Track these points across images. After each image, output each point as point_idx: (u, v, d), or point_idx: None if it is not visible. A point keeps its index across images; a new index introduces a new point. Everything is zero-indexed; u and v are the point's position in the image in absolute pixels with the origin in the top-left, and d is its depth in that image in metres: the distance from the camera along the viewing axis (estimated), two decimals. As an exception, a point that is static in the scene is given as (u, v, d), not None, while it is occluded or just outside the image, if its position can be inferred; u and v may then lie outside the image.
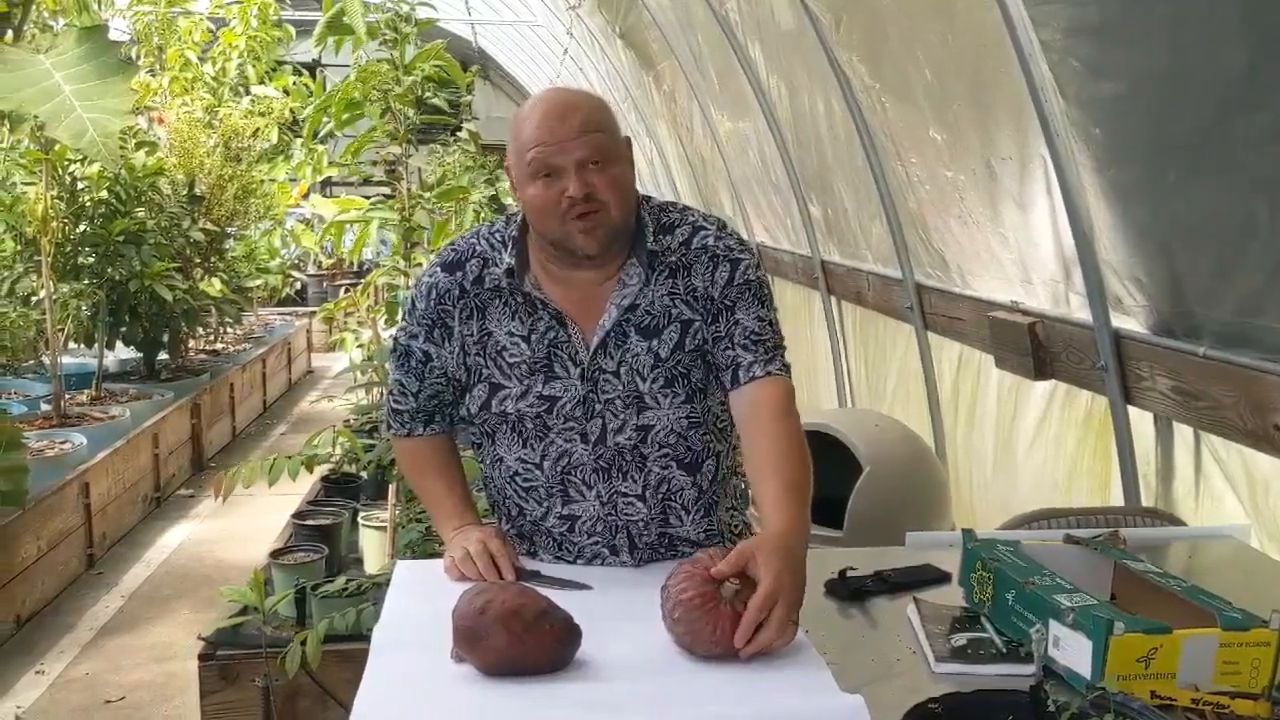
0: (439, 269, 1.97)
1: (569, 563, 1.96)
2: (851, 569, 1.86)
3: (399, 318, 4.50)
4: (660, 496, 1.93)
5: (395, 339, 2.05)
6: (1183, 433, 2.78)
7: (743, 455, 1.94)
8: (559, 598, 1.62)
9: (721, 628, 1.54)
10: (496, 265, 1.93)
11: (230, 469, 3.51)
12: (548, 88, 2.05)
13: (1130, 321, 2.83)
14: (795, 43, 4.73)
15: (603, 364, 1.90)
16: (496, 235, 1.96)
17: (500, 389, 1.93)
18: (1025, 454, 3.59)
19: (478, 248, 1.96)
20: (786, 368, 1.93)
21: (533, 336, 1.91)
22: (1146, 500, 2.90)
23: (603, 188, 1.82)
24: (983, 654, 1.58)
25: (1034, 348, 3.21)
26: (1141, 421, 2.91)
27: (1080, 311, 3.02)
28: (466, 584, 1.61)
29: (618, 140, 1.88)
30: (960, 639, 1.62)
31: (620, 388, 1.90)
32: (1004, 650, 1.58)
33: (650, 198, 1.99)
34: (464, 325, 1.94)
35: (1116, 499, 2.99)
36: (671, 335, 1.91)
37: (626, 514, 1.93)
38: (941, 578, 1.87)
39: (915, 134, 3.82)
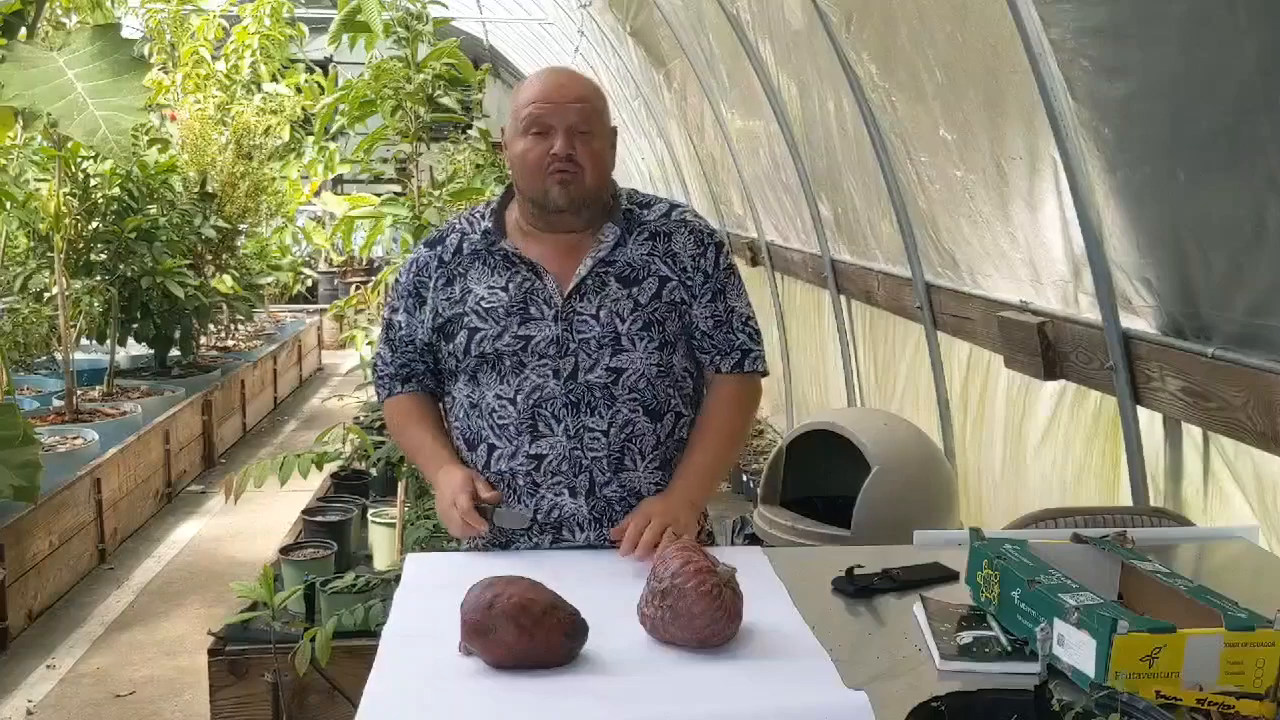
0: (422, 246, 2.19)
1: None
2: (859, 567, 1.86)
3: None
4: (623, 437, 2.09)
5: (383, 314, 2.26)
6: (1192, 433, 2.78)
7: (705, 407, 2.19)
8: (563, 592, 1.62)
9: (729, 612, 1.59)
10: (474, 232, 2.14)
11: (241, 469, 3.53)
12: (548, 67, 2.22)
13: (1140, 322, 2.82)
14: (806, 42, 4.73)
15: (578, 307, 2.08)
16: (476, 213, 2.18)
17: (478, 331, 2.09)
18: (1034, 454, 3.59)
19: (457, 225, 2.18)
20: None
21: (510, 286, 2.09)
22: (1155, 501, 2.90)
23: (584, 155, 2.02)
24: (988, 652, 1.58)
25: (1043, 348, 3.21)
26: (1150, 422, 2.90)
27: (1090, 311, 3.02)
28: (476, 578, 1.61)
29: (606, 123, 2.10)
30: (966, 637, 1.62)
31: (598, 329, 2.07)
32: (1010, 649, 1.58)
33: (630, 190, 2.21)
34: (438, 293, 2.13)
35: (1125, 499, 2.99)
36: (650, 286, 2.11)
37: (591, 449, 2.07)
38: (949, 576, 1.87)
39: (925, 133, 3.82)
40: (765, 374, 2.21)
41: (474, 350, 2.09)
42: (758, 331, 2.20)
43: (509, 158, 2.10)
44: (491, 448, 2.10)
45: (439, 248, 2.16)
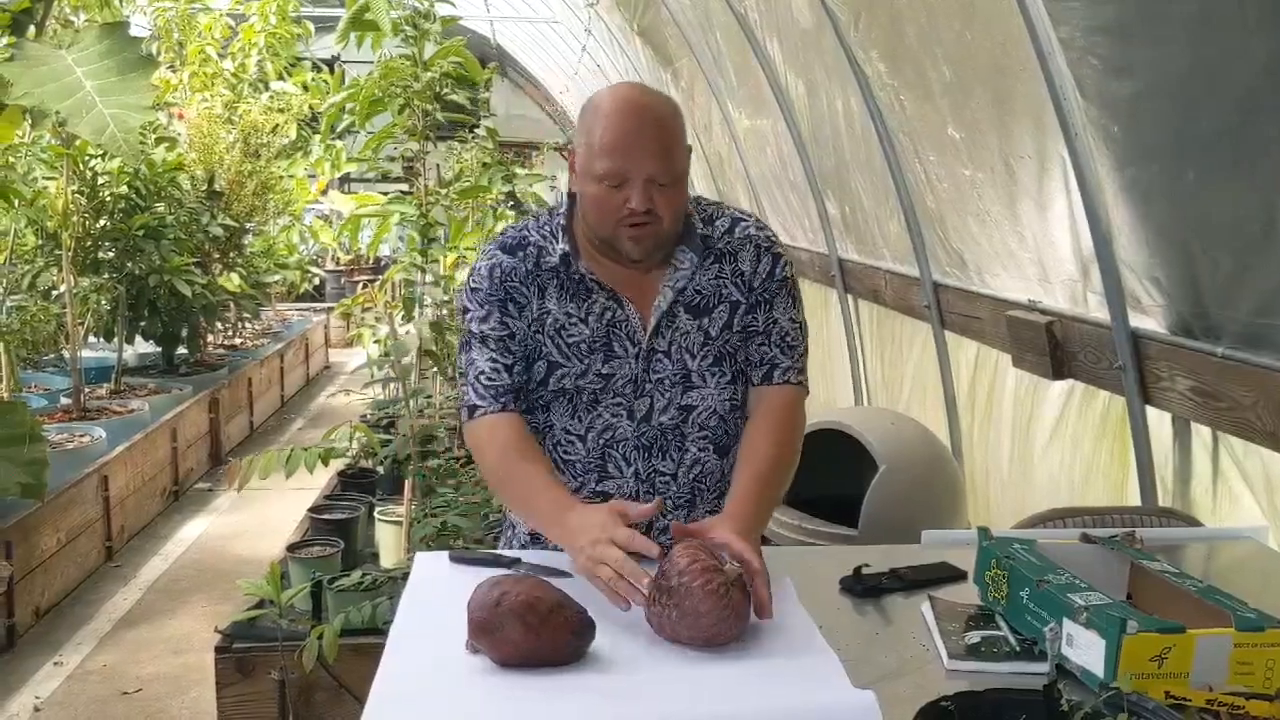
0: (499, 251, 1.99)
1: None
2: (866, 566, 1.86)
3: (413, 312, 4.53)
4: (692, 477, 2.01)
5: (466, 330, 2.01)
6: (1200, 433, 2.77)
7: (741, 442, 2.02)
8: (570, 590, 1.62)
9: (735, 611, 1.58)
10: (550, 254, 1.97)
11: (247, 459, 3.53)
12: (625, 85, 1.98)
13: (1148, 321, 2.81)
14: (814, 41, 4.72)
15: (656, 344, 1.97)
16: (545, 227, 2.00)
17: (559, 367, 1.97)
18: (1041, 453, 3.58)
19: (530, 237, 2.00)
20: (807, 378, 2.06)
21: (590, 317, 1.97)
22: (1163, 501, 2.89)
23: (661, 205, 1.86)
24: (996, 652, 1.57)
25: (1051, 347, 3.20)
26: (1159, 422, 2.89)
27: (1098, 311, 3.01)
28: (483, 577, 1.61)
29: (684, 157, 1.91)
30: (974, 637, 1.62)
31: (670, 366, 1.97)
32: (1018, 649, 1.58)
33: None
34: (532, 301, 1.97)
35: (1133, 499, 2.98)
36: (721, 314, 1.99)
37: (660, 492, 1.99)
38: (957, 576, 1.87)
39: (934, 132, 3.82)
40: (796, 384, 2.02)
41: (552, 384, 1.98)
42: (794, 346, 2.02)
43: (581, 194, 1.93)
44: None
45: (520, 254, 1.98)
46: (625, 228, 1.87)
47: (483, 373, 1.97)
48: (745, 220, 2.05)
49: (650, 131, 1.85)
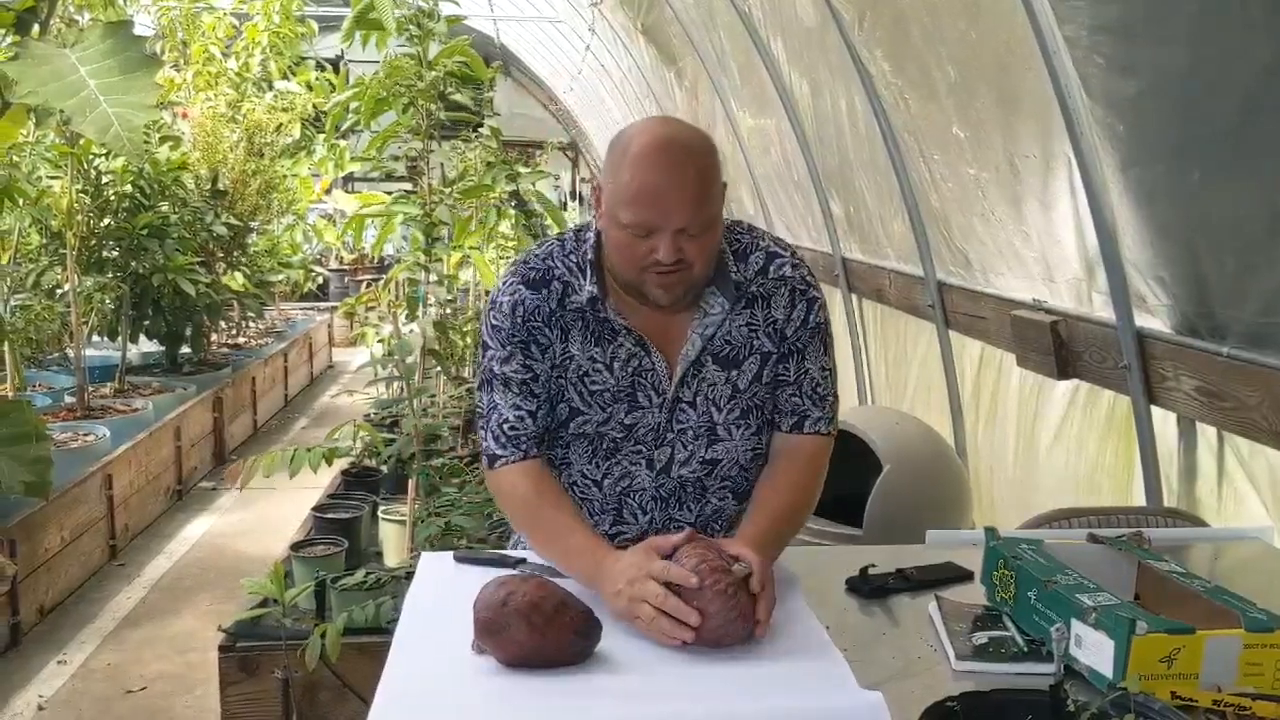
0: (522, 286, 1.87)
1: None
2: (872, 566, 1.86)
3: (417, 311, 4.53)
4: (707, 520, 1.97)
5: (487, 370, 1.91)
6: (1206, 433, 2.77)
7: (760, 478, 1.96)
8: (576, 590, 1.62)
9: (743, 612, 1.57)
10: (577, 291, 1.86)
11: (251, 458, 3.53)
12: (658, 123, 1.82)
13: (1154, 321, 2.81)
14: (818, 39, 4.72)
15: (681, 394, 1.89)
16: (571, 257, 1.88)
17: (580, 414, 1.90)
18: (1046, 453, 3.57)
19: (556, 270, 1.88)
20: (836, 425, 1.98)
21: (615, 364, 1.87)
22: (1168, 501, 2.88)
23: (693, 252, 1.75)
24: (1003, 652, 1.57)
25: (1056, 347, 3.19)
26: (1164, 421, 2.89)
27: (1103, 310, 3.01)
28: (488, 577, 1.61)
29: (718, 200, 1.79)
30: (981, 637, 1.61)
31: (695, 418, 1.90)
32: (1025, 649, 1.58)
33: None
34: (555, 344, 1.88)
35: (1138, 499, 2.97)
36: (751, 367, 1.90)
37: None
38: (963, 576, 1.86)
39: (938, 131, 3.81)
40: (828, 435, 1.95)
41: (573, 429, 1.90)
42: (824, 396, 1.94)
43: (605, 235, 1.81)
44: None
45: (544, 292, 1.86)
46: (653, 274, 1.76)
47: (506, 421, 1.88)
48: (782, 257, 1.91)
49: (681, 181, 1.71)
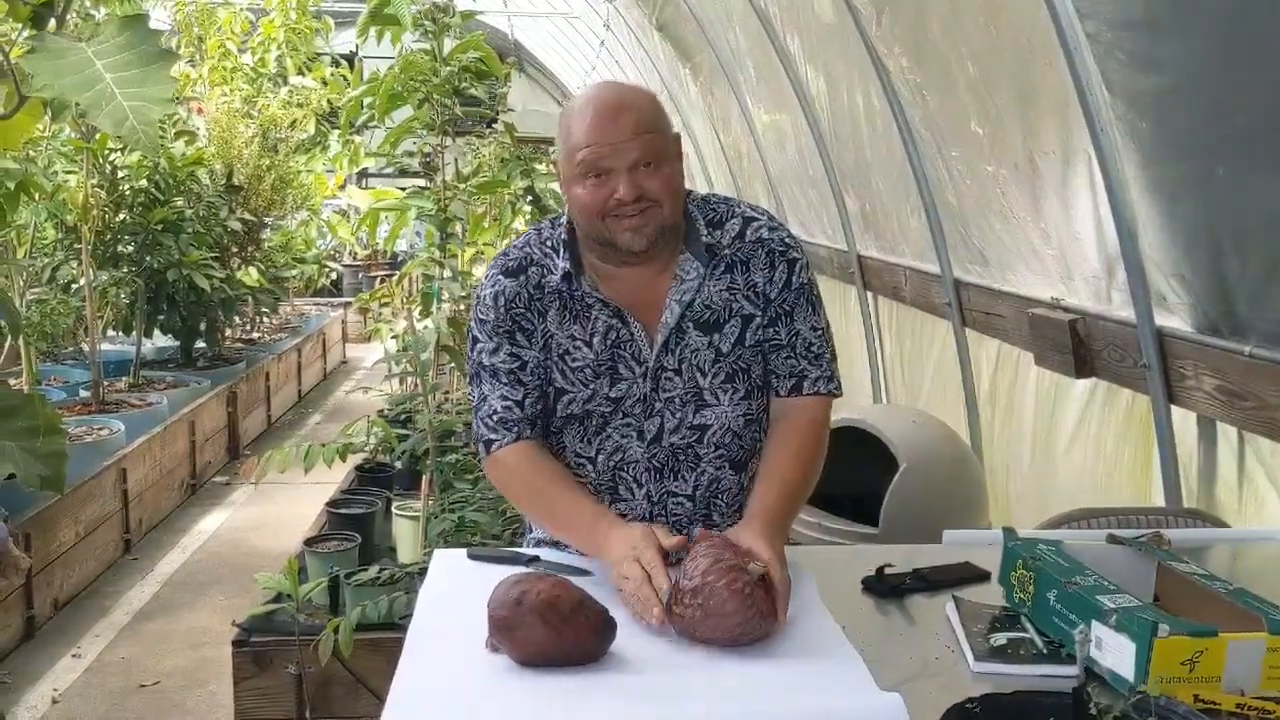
0: (501, 276, 1.93)
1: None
2: (889, 566, 1.84)
3: (431, 307, 4.52)
4: (707, 495, 1.96)
5: (476, 363, 1.95)
6: (1226, 433, 2.74)
7: (765, 449, 1.96)
8: (592, 589, 1.61)
9: (760, 610, 1.56)
10: (552, 271, 1.91)
11: (264, 453, 3.53)
12: (597, 84, 1.94)
13: (1174, 319, 2.78)
14: (835, 35, 4.69)
15: (665, 362, 1.90)
16: (547, 243, 1.93)
17: (565, 393, 1.92)
18: (1064, 453, 3.55)
19: (533, 255, 1.93)
20: (839, 382, 1.98)
21: (594, 339, 1.90)
22: (1188, 502, 2.86)
23: (655, 187, 1.79)
24: (1023, 654, 1.55)
25: (1075, 345, 3.17)
26: (1184, 421, 2.86)
27: (1123, 309, 2.98)
28: (501, 575, 1.60)
29: (669, 138, 1.85)
30: (1000, 638, 1.59)
31: (680, 385, 1.91)
32: (1044, 651, 1.56)
33: (692, 191, 1.97)
34: (537, 328, 1.91)
35: (1157, 500, 2.95)
36: (732, 330, 1.91)
37: (674, 514, 1.95)
38: (981, 576, 1.85)
39: (956, 127, 3.79)
40: (829, 394, 1.96)
41: (560, 412, 1.93)
42: (820, 354, 1.94)
43: (568, 200, 1.86)
44: None
45: (522, 277, 1.91)
46: (620, 219, 1.80)
47: (494, 411, 1.92)
48: (758, 219, 1.94)
49: (626, 118, 1.78)
